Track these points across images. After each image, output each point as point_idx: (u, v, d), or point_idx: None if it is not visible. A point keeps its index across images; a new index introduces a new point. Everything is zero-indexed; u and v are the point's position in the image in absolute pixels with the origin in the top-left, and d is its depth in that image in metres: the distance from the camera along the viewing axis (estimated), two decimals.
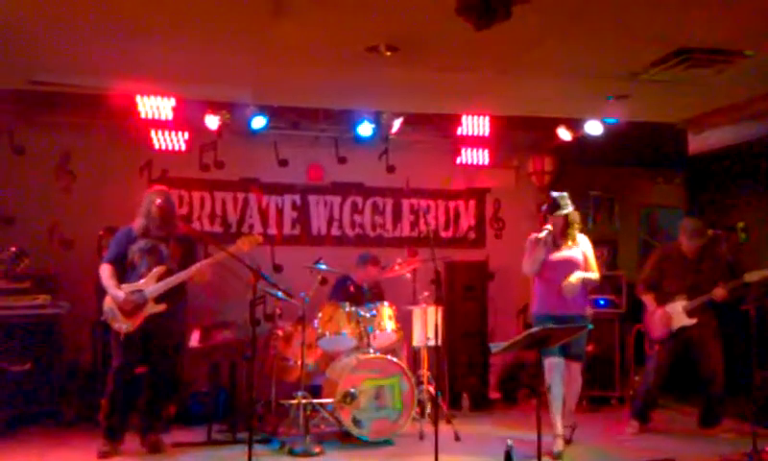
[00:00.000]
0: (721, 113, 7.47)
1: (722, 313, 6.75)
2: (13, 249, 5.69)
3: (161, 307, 5.91)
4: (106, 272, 5.96)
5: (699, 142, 7.91)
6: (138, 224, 6.05)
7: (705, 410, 6.83)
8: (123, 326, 5.87)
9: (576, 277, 6.02)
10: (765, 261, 6.58)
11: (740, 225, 6.08)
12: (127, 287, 5.90)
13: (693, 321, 6.61)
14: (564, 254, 6.15)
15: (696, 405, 7.01)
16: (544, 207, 6.29)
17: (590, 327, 5.93)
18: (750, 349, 5.80)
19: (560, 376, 6.03)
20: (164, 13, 5.00)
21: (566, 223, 6.16)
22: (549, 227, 6.12)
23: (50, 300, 6.91)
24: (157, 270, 5.93)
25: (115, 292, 5.87)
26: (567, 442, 6.10)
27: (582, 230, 6.31)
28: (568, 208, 6.16)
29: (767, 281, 6.24)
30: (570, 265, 6.10)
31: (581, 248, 6.22)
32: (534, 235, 6.21)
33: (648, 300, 6.88)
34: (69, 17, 5.07)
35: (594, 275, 6.19)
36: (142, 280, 5.92)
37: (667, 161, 9.34)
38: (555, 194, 6.27)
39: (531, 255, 6.20)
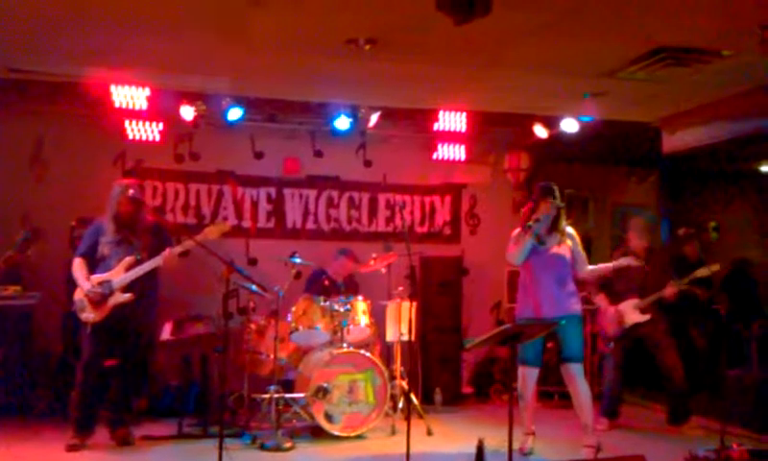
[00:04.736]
0: (695, 113, 7.52)
1: (691, 312, 6.81)
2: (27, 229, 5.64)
3: (128, 297, 5.85)
4: (76, 265, 5.94)
5: (673, 142, 7.97)
6: (107, 217, 6.01)
7: (671, 407, 6.92)
8: (90, 316, 5.82)
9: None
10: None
11: (712, 224, 6.15)
12: (95, 278, 5.86)
13: (646, 317, 6.72)
14: (551, 250, 5.88)
15: (664, 402, 7.10)
16: (533, 194, 5.98)
17: (563, 323, 5.62)
18: (719, 347, 5.85)
19: (530, 386, 6.01)
20: (140, 1, 4.94)
21: (559, 214, 5.87)
22: (542, 215, 5.78)
23: (20, 290, 6.82)
24: (127, 260, 5.89)
25: (83, 283, 5.85)
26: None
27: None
28: (560, 201, 5.87)
29: (717, 275, 6.29)
30: (559, 262, 5.88)
31: (569, 242, 5.94)
32: (520, 230, 5.94)
33: (600, 299, 6.99)
34: (46, 4, 4.99)
35: (590, 266, 6.05)
36: (112, 271, 5.89)
37: (641, 160, 9.41)
38: (545, 184, 5.94)
39: (518, 244, 5.87)
